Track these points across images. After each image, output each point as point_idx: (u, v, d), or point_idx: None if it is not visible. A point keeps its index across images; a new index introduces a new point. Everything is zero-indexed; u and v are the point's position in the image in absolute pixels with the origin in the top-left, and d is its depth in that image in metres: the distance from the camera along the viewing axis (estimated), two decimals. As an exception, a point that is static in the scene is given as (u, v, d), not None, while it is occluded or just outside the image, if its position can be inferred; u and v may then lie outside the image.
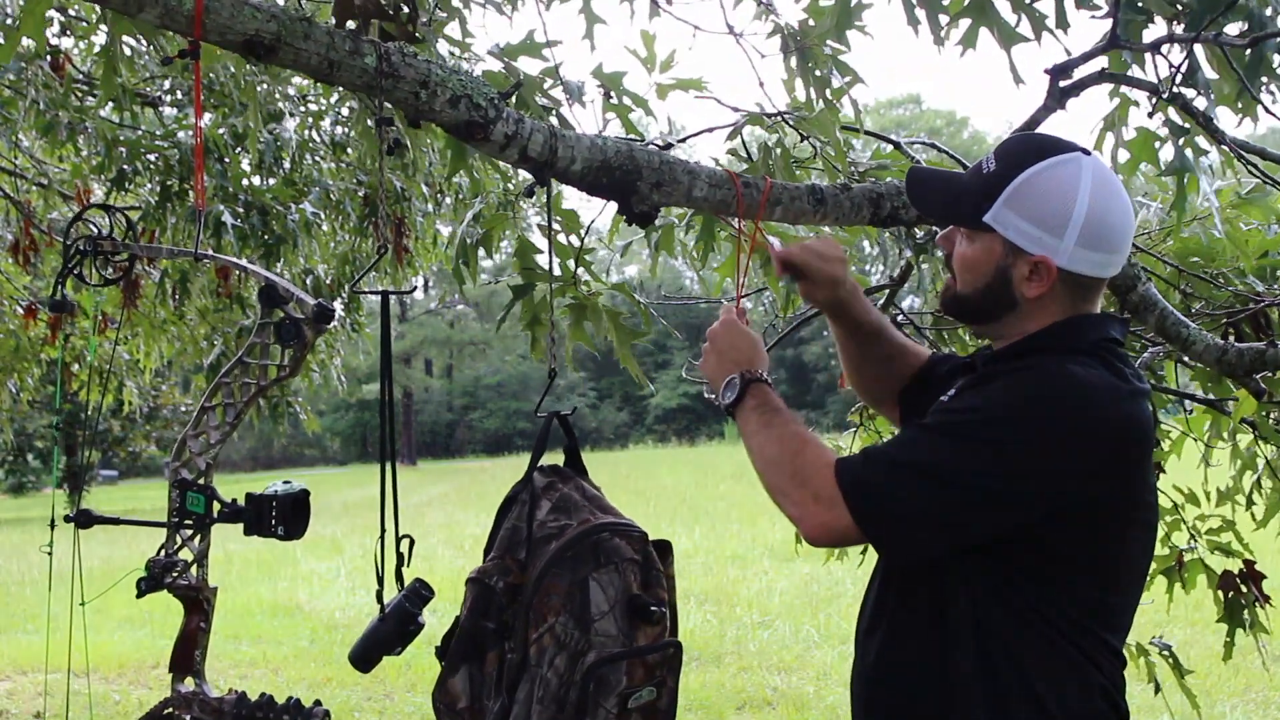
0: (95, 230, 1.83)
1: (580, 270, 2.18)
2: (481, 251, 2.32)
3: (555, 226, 2.11)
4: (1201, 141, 2.07)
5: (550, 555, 1.55)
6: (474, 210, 2.50)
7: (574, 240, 2.16)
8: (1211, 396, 2.81)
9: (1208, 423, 2.96)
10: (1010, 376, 1.42)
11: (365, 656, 1.68)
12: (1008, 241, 1.44)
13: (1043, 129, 2.07)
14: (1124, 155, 2.13)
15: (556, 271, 2.15)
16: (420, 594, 1.70)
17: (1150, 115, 2.06)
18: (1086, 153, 1.45)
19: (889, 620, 1.50)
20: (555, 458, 1.75)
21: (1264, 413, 2.74)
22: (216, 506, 1.65)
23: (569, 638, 1.51)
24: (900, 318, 2.87)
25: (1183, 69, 1.91)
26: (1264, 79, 1.86)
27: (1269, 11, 1.87)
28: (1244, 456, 3.00)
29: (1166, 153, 2.05)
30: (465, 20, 2.13)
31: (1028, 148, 1.47)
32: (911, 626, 1.46)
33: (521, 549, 1.58)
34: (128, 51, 3.22)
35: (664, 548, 1.68)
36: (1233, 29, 1.88)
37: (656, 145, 2.04)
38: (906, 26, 2.03)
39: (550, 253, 2.07)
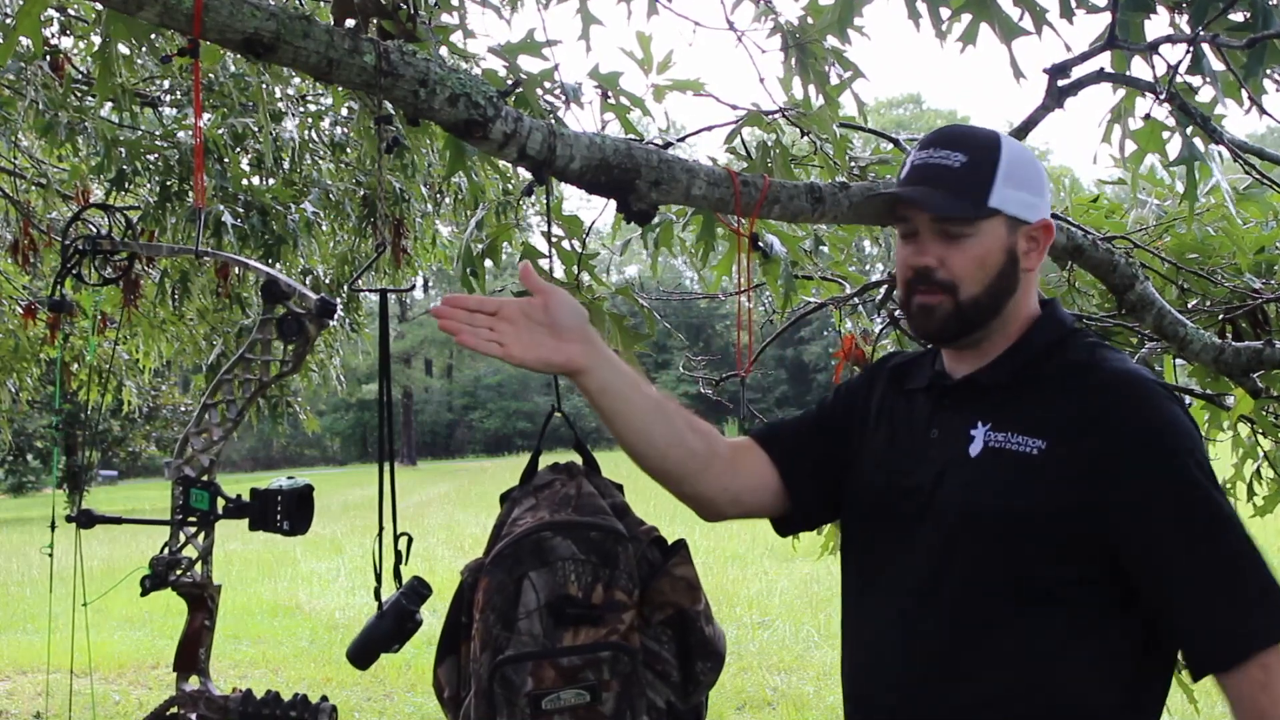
0: (94, 230, 1.84)
1: (583, 274, 2.18)
2: (488, 262, 2.32)
3: (558, 232, 2.11)
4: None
5: (493, 554, 1.56)
6: (478, 216, 2.50)
7: (576, 245, 2.16)
8: (1209, 392, 2.82)
9: (1206, 416, 2.96)
10: (1134, 403, 1.36)
11: (363, 653, 1.68)
12: (1009, 219, 1.42)
13: (1041, 129, 2.07)
14: (1130, 147, 2.12)
15: (560, 275, 2.15)
16: (418, 592, 1.70)
17: (1146, 118, 2.06)
18: None
19: (972, 652, 1.39)
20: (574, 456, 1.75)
21: (1262, 410, 2.75)
22: (221, 503, 1.65)
23: (490, 635, 1.51)
24: (898, 313, 2.87)
25: (1181, 68, 1.91)
26: (1268, 70, 1.85)
27: (1273, 0, 1.87)
28: (1245, 445, 3.00)
29: (1174, 145, 2.04)
30: (465, 15, 2.13)
31: (972, 132, 1.47)
32: (988, 655, 1.38)
33: (495, 545, 1.60)
34: (126, 51, 3.23)
35: (672, 549, 1.64)
36: (1237, 16, 1.87)
37: (655, 144, 2.04)
38: (906, 26, 2.03)
39: (551, 256, 2.07)
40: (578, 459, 1.72)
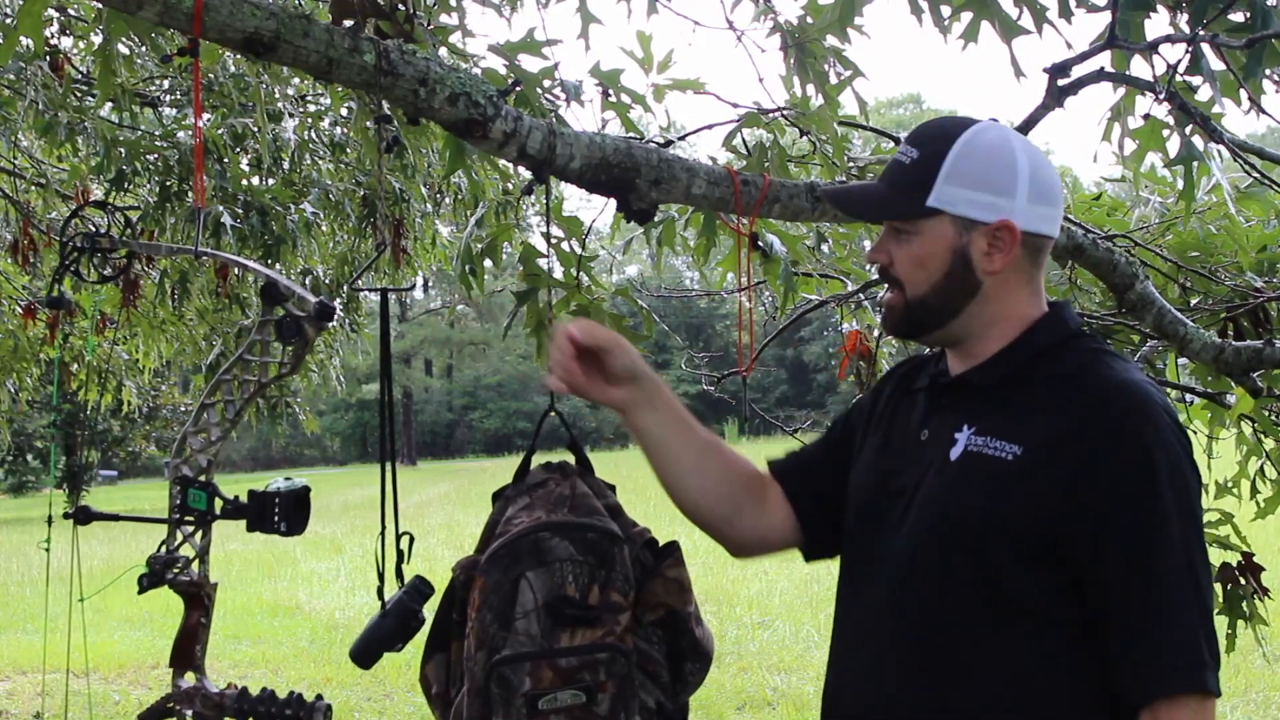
0: (93, 228, 1.84)
1: (582, 275, 2.18)
2: (487, 261, 2.32)
3: (558, 233, 2.11)
4: (1208, 128, 2.06)
5: (488, 552, 1.56)
6: (477, 215, 2.50)
7: (576, 247, 2.16)
8: (1210, 391, 2.82)
9: (1208, 415, 2.96)
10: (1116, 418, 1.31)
11: (366, 652, 1.68)
12: (959, 219, 1.36)
13: (1042, 128, 2.07)
14: (1130, 145, 2.11)
15: (559, 276, 2.14)
16: (421, 590, 1.70)
17: (1145, 117, 2.06)
18: (994, 119, 1.43)
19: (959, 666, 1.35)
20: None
21: (1263, 409, 2.74)
22: (219, 503, 1.65)
23: (487, 634, 1.51)
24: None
25: (1180, 67, 1.91)
26: (1266, 71, 1.85)
27: (1271, 1, 1.86)
28: (1249, 442, 2.99)
29: (1174, 144, 2.04)
30: (464, 15, 2.13)
31: (942, 127, 1.41)
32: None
33: (489, 544, 1.60)
34: (126, 51, 3.23)
35: (665, 550, 1.65)
36: (1236, 16, 1.87)
37: (656, 143, 2.04)
38: (907, 26, 2.03)
39: (550, 257, 2.07)
40: (572, 459, 1.72)
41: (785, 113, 2.27)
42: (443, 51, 2.09)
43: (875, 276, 2.93)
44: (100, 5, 1.66)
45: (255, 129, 3.98)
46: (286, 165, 4.42)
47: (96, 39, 3.79)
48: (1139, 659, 1.28)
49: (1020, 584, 1.32)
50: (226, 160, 4.11)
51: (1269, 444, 2.95)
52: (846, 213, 1.58)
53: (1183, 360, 2.85)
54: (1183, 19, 1.98)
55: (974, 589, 1.33)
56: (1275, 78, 1.92)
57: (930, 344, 1.50)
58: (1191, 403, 2.99)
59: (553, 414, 1.75)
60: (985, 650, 1.33)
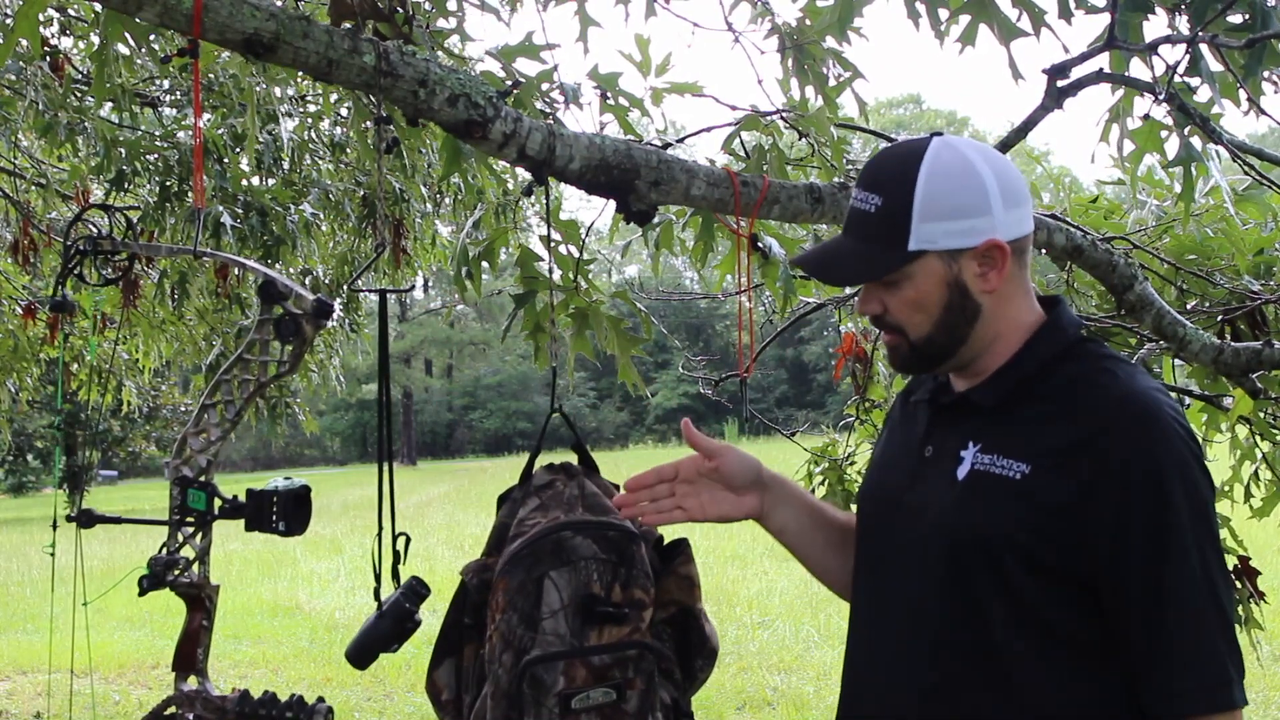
0: (95, 230, 1.84)
1: (579, 279, 2.18)
2: (484, 264, 2.32)
3: (555, 237, 2.11)
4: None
5: (508, 553, 1.55)
6: (475, 217, 2.50)
7: (573, 251, 2.16)
8: (1208, 393, 2.82)
9: (1204, 417, 2.96)
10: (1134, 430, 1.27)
11: (362, 653, 1.68)
12: (944, 253, 1.34)
13: (1041, 129, 2.07)
14: (1128, 147, 2.11)
15: (557, 279, 2.15)
16: (417, 591, 1.70)
17: (1144, 118, 2.06)
18: (937, 134, 1.39)
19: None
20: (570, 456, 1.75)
21: (1260, 411, 2.74)
22: (218, 503, 1.65)
23: (513, 635, 1.51)
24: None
25: (1180, 68, 1.91)
26: (1265, 72, 1.85)
27: (1271, 1, 1.87)
28: (1243, 446, 2.99)
29: (1172, 145, 2.04)
30: (463, 19, 2.13)
31: (896, 163, 1.37)
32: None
33: (502, 546, 1.59)
34: (125, 51, 3.23)
35: (674, 548, 1.66)
36: (1235, 18, 1.87)
37: (654, 145, 2.04)
38: (906, 26, 2.03)
39: (550, 263, 2.07)
40: (573, 460, 1.73)
41: (784, 115, 2.27)
42: (440, 55, 2.09)
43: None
44: (99, 7, 1.66)
45: (252, 129, 3.98)
46: (286, 165, 4.42)
47: (96, 39, 3.79)
48: (1164, 677, 1.26)
49: (1040, 603, 1.30)
50: (226, 160, 4.11)
51: (1265, 446, 2.95)
52: (829, 282, 1.55)
53: (1177, 362, 2.85)
54: (1181, 20, 1.98)
55: (993, 610, 1.31)
56: (1275, 78, 1.92)
57: (942, 373, 1.46)
58: (1188, 405, 3.00)
59: (555, 415, 1.75)
60: (1008, 671, 1.31)
